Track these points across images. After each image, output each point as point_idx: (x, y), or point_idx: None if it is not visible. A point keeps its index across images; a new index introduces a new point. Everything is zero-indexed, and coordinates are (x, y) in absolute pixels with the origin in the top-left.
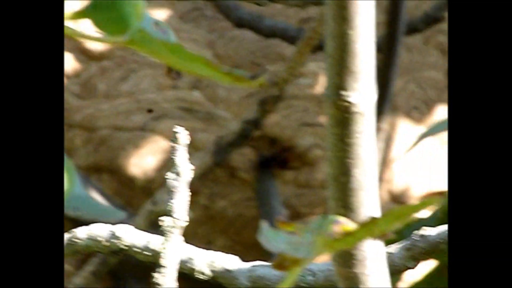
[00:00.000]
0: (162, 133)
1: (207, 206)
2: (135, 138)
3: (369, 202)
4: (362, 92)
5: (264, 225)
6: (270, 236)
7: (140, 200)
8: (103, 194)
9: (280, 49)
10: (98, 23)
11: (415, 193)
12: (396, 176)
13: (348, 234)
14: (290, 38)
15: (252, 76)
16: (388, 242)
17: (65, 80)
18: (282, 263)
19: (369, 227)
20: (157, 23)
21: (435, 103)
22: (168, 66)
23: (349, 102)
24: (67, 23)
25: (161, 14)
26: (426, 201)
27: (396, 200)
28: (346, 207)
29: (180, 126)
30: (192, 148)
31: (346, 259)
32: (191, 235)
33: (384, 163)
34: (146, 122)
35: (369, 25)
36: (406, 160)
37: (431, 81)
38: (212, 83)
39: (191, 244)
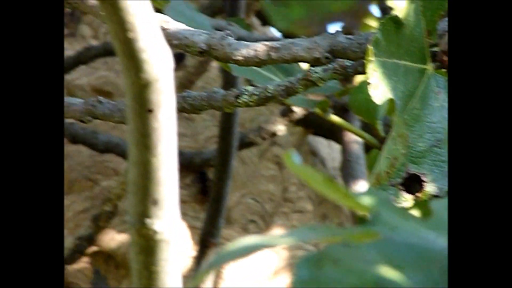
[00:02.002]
0: None
1: None
2: None
3: None
4: (166, 219)
5: None
6: None
7: None
8: None
9: (115, 164)
10: None
11: None
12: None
13: None
14: (124, 153)
15: None
16: None
17: None
18: None
19: None
20: None
21: (272, 216)
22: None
23: (153, 230)
24: None
25: None
26: None
27: None
28: None
29: None
30: None
31: None
32: None
33: (217, 275)
34: None
35: (172, 152)
36: (240, 271)
37: (267, 194)
38: None
39: None
